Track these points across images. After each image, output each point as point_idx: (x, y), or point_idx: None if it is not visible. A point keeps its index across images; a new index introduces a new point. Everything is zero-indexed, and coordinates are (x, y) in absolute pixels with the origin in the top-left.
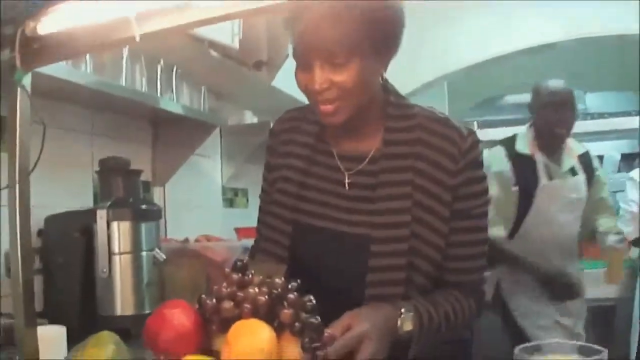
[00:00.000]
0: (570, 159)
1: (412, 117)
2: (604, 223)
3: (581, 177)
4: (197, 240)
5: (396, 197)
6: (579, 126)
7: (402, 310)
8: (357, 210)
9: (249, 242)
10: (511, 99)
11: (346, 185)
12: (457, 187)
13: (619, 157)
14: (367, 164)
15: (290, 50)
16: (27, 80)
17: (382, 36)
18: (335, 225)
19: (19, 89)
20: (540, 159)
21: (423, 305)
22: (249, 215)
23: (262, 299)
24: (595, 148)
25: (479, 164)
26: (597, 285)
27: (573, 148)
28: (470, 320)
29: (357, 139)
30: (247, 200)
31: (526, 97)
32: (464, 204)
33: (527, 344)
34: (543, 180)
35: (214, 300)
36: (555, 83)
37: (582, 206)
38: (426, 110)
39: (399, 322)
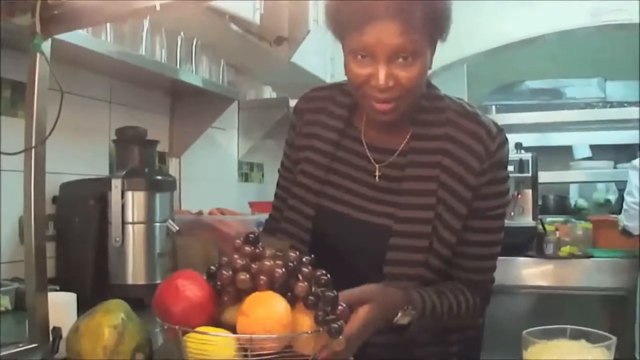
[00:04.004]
0: None
1: (442, 111)
2: None
3: None
4: (210, 213)
5: (421, 192)
6: (599, 114)
7: (409, 307)
8: (382, 201)
9: (263, 216)
10: (531, 84)
11: (377, 177)
12: (479, 187)
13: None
14: (396, 156)
15: (311, 27)
16: (46, 47)
17: (441, 28)
18: (358, 213)
19: (37, 55)
20: None
21: (429, 296)
22: (264, 190)
23: (279, 271)
24: (614, 137)
25: (504, 164)
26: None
27: None
28: (473, 317)
29: (388, 129)
30: (263, 175)
31: (545, 83)
32: (483, 204)
33: (534, 329)
34: None
35: (230, 271)
36: None
37: None
38: (456, 103)
39: (399, 314)
